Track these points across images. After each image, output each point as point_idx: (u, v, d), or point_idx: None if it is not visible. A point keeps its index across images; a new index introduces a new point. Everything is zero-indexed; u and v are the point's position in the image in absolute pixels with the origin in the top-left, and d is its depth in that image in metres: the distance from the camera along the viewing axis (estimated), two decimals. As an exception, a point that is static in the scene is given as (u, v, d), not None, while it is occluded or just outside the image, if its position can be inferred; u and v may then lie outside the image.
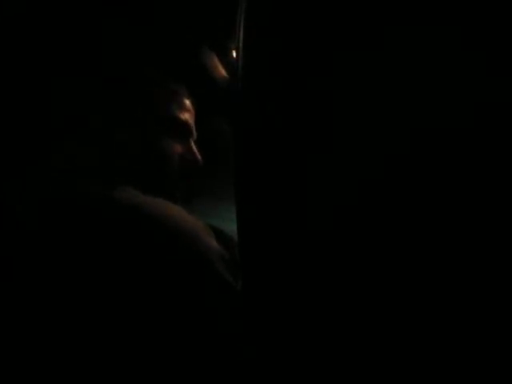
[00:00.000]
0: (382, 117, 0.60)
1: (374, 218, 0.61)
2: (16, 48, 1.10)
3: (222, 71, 1.28)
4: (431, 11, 0.58)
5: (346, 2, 0.61)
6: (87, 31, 1.10)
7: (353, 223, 0.62)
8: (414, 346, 0.60)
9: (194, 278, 0.80)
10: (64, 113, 1.02)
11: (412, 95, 0.59)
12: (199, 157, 1.05)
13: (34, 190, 0.85)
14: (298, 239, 0.65)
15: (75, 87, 1.03)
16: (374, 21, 0.60)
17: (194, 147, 1.06)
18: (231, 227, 0.74)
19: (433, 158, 0.58)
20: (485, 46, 0.56)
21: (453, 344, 0.58)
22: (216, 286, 0.80)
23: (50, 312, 0.75)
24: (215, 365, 0.78)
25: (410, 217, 0.59)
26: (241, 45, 0.67)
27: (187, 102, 1.06)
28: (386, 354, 0.61)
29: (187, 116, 1.05)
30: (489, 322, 0.57)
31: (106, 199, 0.83)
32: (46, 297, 0.75)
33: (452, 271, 0.58)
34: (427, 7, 0.58)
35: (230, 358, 0.77)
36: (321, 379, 0.64)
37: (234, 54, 0.89)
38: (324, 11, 0.62)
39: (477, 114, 0.56)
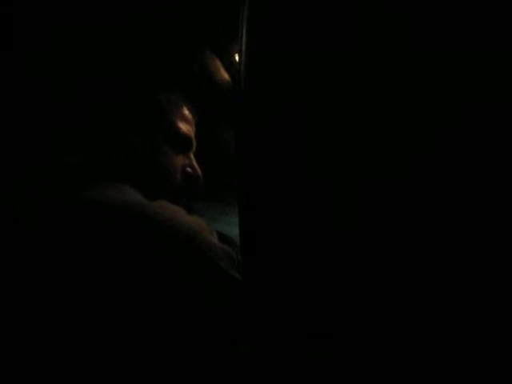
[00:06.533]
0: (383, 116, 0.60)
1: (374, 220, 0.61)
2: (16, 48, 1.10)
3: (225, 74, 1.28)
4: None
5: (345, 7, 0.62)
6: (87, 33, 1.10)
7: (353, 226, 0.62)
8: (414, 346, 0.60)
9: (198, 275, 0.80)
10: (65, 113, 1.02)
11: (412, 98, 0.59)
12: (199, 171, 1.06)
13: (34, 190, 0.85)
14: (300, 242, 0.65)
15: (76, 88, 1.03)
16: (370, 25, 0.60)
17: (194, 160, 1.06)
18: (237, 232, 0.73)
19: (436, 159, 0.58)
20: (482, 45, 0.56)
21: (453, 344, 0.58)
22: (221, 281, 0.80)
23: (50, 312, 0.75)
24: (217, 362, 0.77)
25: (409, 218, 0.59)
26: (243, 48, 0.67)
27: (188, 114, 1.06)
28: (386, 353, 0.61)
29: (189, 128, 1.06)
30: (489, 322, 0.57)
31: (106, 199, 0.83)
32: (46, 297, 0.75)
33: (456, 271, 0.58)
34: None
35: (231, 354, 0.77)
36: (320, 378, 0.63)
37: (237, 58, 0.89)
38: (326, 15, 0.62)
39: (474, 114, 0.57)
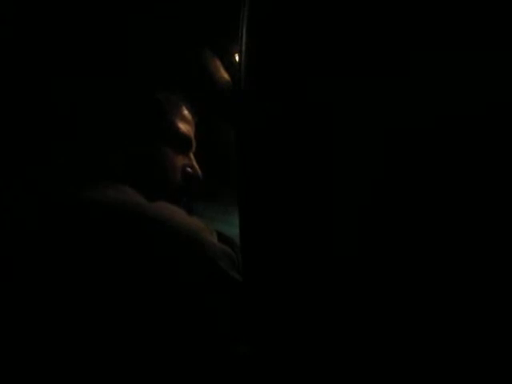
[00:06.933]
0: (384, 117, 0.60)
1: (374, 220, 0.61)
2: (17, 48, 1.10)
3: (224, 74, 1.27)
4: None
5: (345, 8, 0.62)
6: (91, 33, 1.10)
7: (353, 227, 0.62)
8: (414, 346, 0.60)
9: (198, 275, 0.80)
10: (66, 113, 1.02)
11: (412, 99, 0.59)
12: (199, 171, 1.06)
13: (35, 190, 0.85)
14: (299, 242, 0.65)
15: (77, 88, 1.03)
16: (370, 25, 0.61)
17: (194, 160, 1.07)
18: (236, 232, 0.74)
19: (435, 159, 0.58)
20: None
21: (453, 344, 0.58)
22: (221, 282, 0.80)
23: (51, 312, 0.75)
24: (217, 362, 0.77)
25: (405, 219, 0.59)
26: (243, 48, 0.67)
27: (188, 115, 1.07)
28: (385, 354, 0.61)
29: (188, 128, 1.06)
30: (489, 322, 0.57)
31: (106, 200, 0.83)
32: (46, 297, 0.75)
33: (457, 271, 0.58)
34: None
35: (231, 354, 0.77)
36: (320, 379, 0.63)
37: (237, 58, 0.89)
38: (325, 15, 0.63)
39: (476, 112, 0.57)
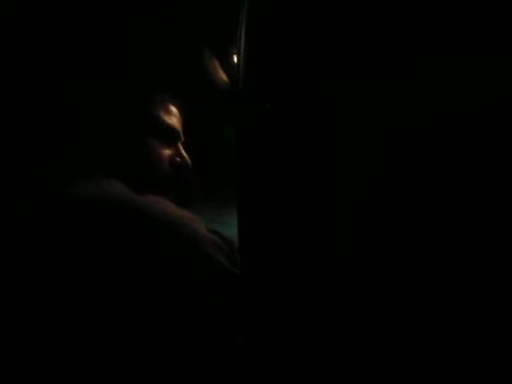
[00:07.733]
0: (383, 118, 0.60)
1: (373, 220, 0.61)
2: (17, 48, 1.10)
3: (223, 75, 1.28)
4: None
5: (345, 8, 0.62)
6: (89, 32, 1.11)
7: (352, 226, 0.62)
8: (414, 346, 0.60)
9: (193, 269, 0.80)
10: (66, 113, 1.02)
11: (412, 99, 0.59)
12: (188, 160, 1.08)
13: (34, 190, 0.85)
14: (300, 243, 0.65)
15: (77, 88, 1.03)
16: (369, 25, 0.61)
17: (183, 150, 1.09)
18: (235, 233, 0.74)
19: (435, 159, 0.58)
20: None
21: (452, 344, 0.58)
22: (216, 275, 0.81)
23: (50, 311, 0.75)
24: (214, 360, 0.78)
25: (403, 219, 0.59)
26: (242, 49, 0.68)
27: (173, 108, 1.10)
28: (385, 353, 0.61)
29: (174, 120, 1.09)
30: (488, 322, 0.57)
31: (100, 197, 0.84)
32: (46, 296, 0.75)
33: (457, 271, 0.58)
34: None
35: (228, 352, 0.78)
36: (319, 377, 0.63)
37: (235, 59, 0.89)
38: (324, 15, 0.63)
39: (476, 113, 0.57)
